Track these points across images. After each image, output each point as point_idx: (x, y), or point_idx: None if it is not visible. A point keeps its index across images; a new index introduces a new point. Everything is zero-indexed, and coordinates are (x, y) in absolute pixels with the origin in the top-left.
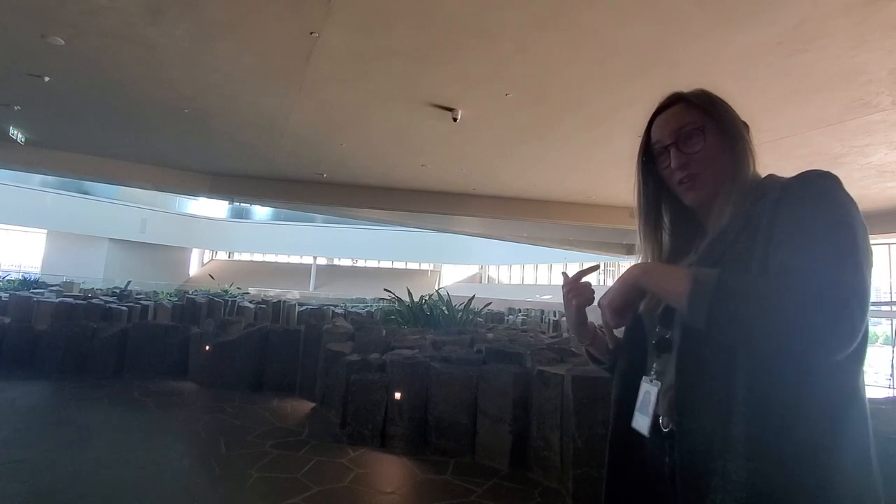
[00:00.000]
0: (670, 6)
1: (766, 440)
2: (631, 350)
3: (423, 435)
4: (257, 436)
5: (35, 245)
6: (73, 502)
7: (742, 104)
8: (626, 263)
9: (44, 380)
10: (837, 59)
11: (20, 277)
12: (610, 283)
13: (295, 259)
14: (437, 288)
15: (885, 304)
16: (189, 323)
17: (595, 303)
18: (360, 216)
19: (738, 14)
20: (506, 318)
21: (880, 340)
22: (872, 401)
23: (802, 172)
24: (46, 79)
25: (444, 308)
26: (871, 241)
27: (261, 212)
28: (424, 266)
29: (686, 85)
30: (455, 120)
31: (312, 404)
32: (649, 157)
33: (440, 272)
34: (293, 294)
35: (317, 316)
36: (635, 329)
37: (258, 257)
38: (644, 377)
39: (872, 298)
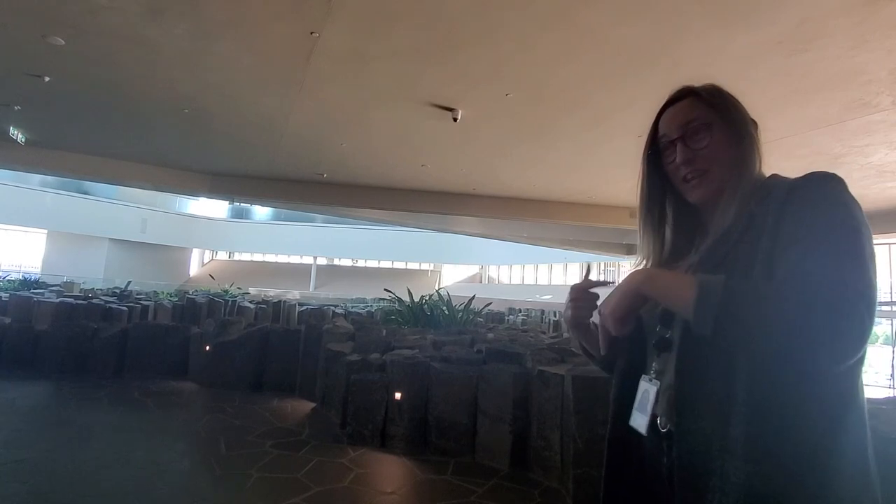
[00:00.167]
0: (670, 6)
1: (765, 441)
2: (630, 349)
3: (423, 435)
4: (257, 436)
5: (35, 245)
6: (74, 502)
7: (742, 104)
8: (626, 263)
9: (44, 380)
10: (837, 59)
11: (20, 277)
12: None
13: (295, 259)
14: (437, 288)
15: (886, 304)
16: (189, 323)
17: (598, 310)
18: (360, 216)
19: (738, 14)
20: (506, 318)
21: (880, 340)
22: (872, 401)
23: (808, 174)
24: (46, 79)
25: (444, 308)
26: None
27: (261, 212)
28: (424, 266)
29: (684, 84)
30: (455, 120)
31: (313, 404)
32: (655, 150)
33: (440, 272)
34: (293, 294)
35: (317, 316)
36: (635, 328)
37: (258, 257)
38: (643, 376)
39: None
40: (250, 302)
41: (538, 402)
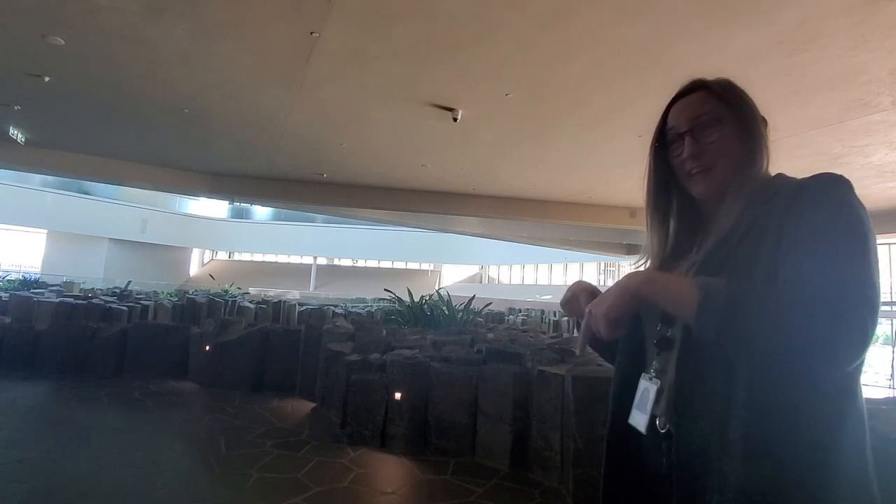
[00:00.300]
0: (670, 6)
1: (764, 443)
2: (630, 346)
3: (423, 435)
4: (257, 436)
5: (35, 245)
6: (74, 502)
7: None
8: (626, 263)
9: (44, 380)
10: (837, 59)
11: (20, 277)
12: (609, 283)
13: (295, 259)
14: (437, 288)
15: (886, 304)
16: (189, 323)
17: (587, 309)
18: (360, 216)
19: (738, 14)
20: (506, 318)
21: (880, 340)
22: (872, 401)
23: (816, 175)
24: (46, 79)
25: (444, 308)
26: None
27: (261, 212)
28: (424, 266)
29: (684, 84)
30: (455, 120)
31: (312, 404)
32: (663, 143)
33: (440, 272)
34: (293, 294)
35: (317, 316)
36: (635, 325)
37: (258, 257)
38: (643, 374)
39: None
40: (250, 302)
41: (538, 402)
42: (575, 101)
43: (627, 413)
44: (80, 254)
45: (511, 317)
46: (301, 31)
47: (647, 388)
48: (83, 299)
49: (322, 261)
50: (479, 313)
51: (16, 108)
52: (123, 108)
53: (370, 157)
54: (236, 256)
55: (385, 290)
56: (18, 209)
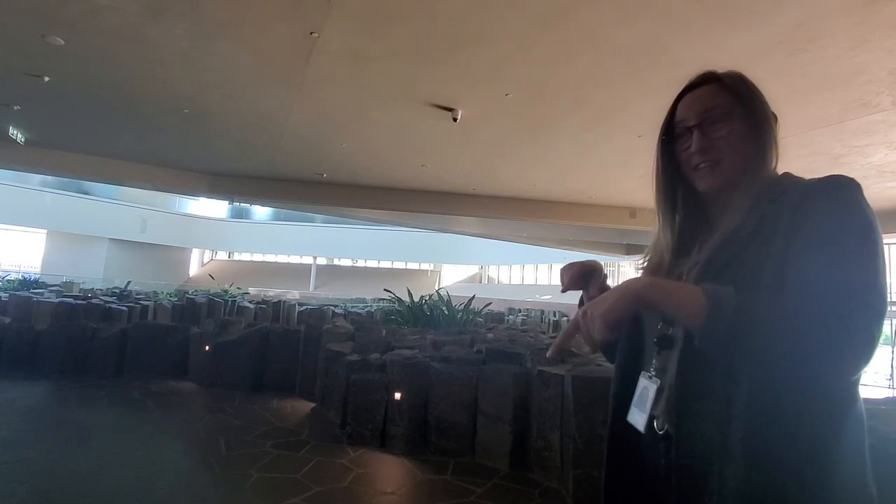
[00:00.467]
0: (670, 6)
1: (765, 445)
2: (630, 344)
3: (423, 435)
4: (257, 436)
5: (35, 245)
6: (74, 502)
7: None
8: (626, 263)
9: (44, 380)
10: (837, 59)
11: (20, 277)
12: (609, 283)
13: (295, 259)
14: (437, 288)
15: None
16: (189, 323)
17: (581, 310)
18: (360, 216)
19: (739, 14)
20: (506, 318)
21: (880, 341)
22: (872, 401)
23: (827, 178)
24: (46, 79)
25: (444, 308)
26: None
27: (261, 212)
28: (424, 266)
29: (685, 85)
30: (455, 120)
31: (312, 404)
32: (670, 136)
33: (440, 272)
34: (293, 294)
35: (317, 316)
36: (635, 323)
37: (258, 257)
38: (643, 372)
39: None
40: (250, 302)
41: (538, 402)
42: (575, 101)
43: (627, 412)
44: (79, 254)
45: (511, 317)
46: (301, 31)
47: (646, 387)
48: (83, 299)
49: (322, 261)
50: (478, 313)
51: (16, 108)
52: (123, 108)
53: (370, 157)
54: (236, 256)
55: (385, 290)
56: (18, 209)
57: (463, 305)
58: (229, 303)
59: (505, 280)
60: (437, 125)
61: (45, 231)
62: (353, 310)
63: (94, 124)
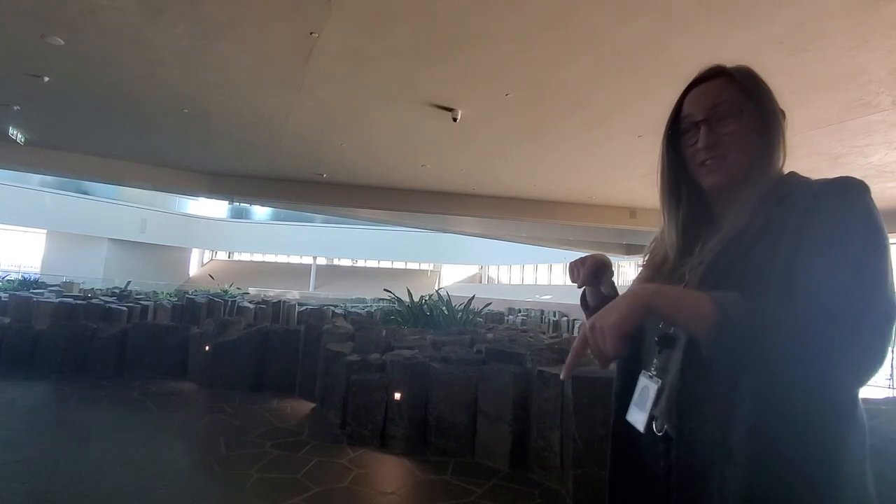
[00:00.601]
0: (670, 6)
1: (773, 445)
2: (631, 343)
3: (423, 435)
4: (257, 436)
5: (35, 245)
6: (74, 502)
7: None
8: (626, 263)
9: (44, 380)
10: (837, 59)
11: (20, 277)
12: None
13: (295, 259)
14: (436, 288)
15: None
16: (189, 323)
17: (588, 323)
18: (360, 216)
19: (738, 14)
20: (506, 318)
21: None
22: (872, 401)
23: (836, 181)
24: (46, 79)
25: (444, 308)
26: None
27: (260, 212)
28: (424, 266)
29: (685, 85)
30: (455, 120)
31: (312, 404)
32: (676, 131)
33: (440, 272)
34: (293, 294)
35: (317, 316)
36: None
37: (258, 257)
38: (643, 371)
39: None
40: (250, 302)
41: (538, 403)
42: (575, 101)
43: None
44: (79, 254)
45: (511, 317)
46: (301, 31)
47: (646, 387)
48: (83, 299)
49: (322, 261)
50: (478, 313)
51: (15, 108)
52: (123, 108)
53: (370, 157)
54: (236, 256)
55: (385, 290)
56: (18, 209)
57: (463, 305)
58: (229, 303)
59: (505, 280)
60: (437, 125)
61: (45, 231)
62: (352, 310)
63: (93, 124)
